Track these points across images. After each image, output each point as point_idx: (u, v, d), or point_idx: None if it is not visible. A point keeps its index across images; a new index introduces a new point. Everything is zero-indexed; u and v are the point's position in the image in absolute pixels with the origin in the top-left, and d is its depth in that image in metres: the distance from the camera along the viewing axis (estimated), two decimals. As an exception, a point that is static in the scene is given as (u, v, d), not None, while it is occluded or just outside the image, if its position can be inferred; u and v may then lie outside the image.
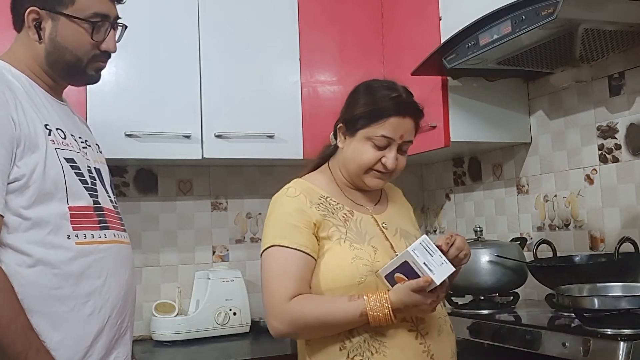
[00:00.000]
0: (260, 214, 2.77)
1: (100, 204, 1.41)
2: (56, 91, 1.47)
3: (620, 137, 2.06)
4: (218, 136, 2.34)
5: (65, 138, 1.39)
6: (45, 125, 1.34)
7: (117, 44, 1.48)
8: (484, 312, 2.08)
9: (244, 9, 2.45)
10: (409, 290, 1.29)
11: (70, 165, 1.36)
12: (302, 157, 2.44)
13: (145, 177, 2.62)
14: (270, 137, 2.42)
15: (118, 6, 1.47)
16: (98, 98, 2.15)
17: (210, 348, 2.31)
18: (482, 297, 2.20)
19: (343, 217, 1.46)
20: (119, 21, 1.46)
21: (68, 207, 1.33)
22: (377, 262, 1.38)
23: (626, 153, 2.04)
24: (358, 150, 1.46)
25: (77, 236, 1.33)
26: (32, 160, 1.29)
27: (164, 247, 2.62)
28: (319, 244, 1.42)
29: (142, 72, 2.26)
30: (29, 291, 1.27)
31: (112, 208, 1.47)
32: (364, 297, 1.33)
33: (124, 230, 1.50)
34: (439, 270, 1.29)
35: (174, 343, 2.38)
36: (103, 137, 2.09)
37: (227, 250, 2.73)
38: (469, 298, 2.25)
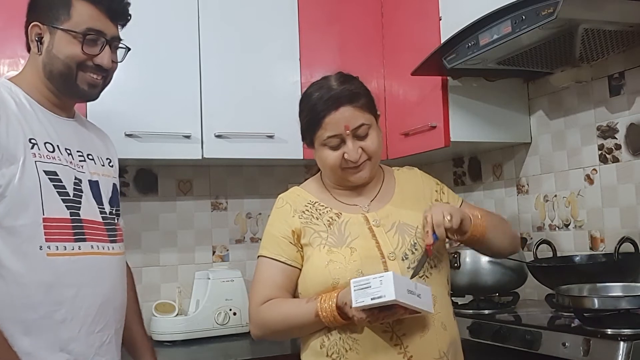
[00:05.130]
0: (260, 214, 2.77)
1: (80, 216, 1.44)
2: (62, 108, 1.53)
3: (620, 137, 2.06)
4: (218, 136, 2.34)
5: (53, 151, 1.43)
6: (30, 139, 1.39)
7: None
8: (484, 312, 2.09)
9: (244, 9, 2.45)
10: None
11: (50, 178, 1.40)
12: (302, 157, 2.44)
13: (145, 177, 2.63)
14: (270, 137, 2.42)
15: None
16: (98, 98, 2.14)
17: (210, 348, 2.32)
18: (482, 297, 2.21)
19: (328, 221, 1.48)
20: (122, 43, 1.54)
21: (43, 218, 1.37)
22: (354, 261, 1.39)
23: (626, 153, 2.05)
24: (322, 157, 1.49)
25: (49, 247, 1.37)
26: (9, 171, 1.34)
27: (164, 247, 2.62)
28: (302, 252, 1.47)
29: (142, 72, 2.26)
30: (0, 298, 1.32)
31: (101, 220, 1.50)
32: (320, 297, 1.36)
33: (114, 242, 1.53)
34: (363, 292, 1.27)
35: (174, 343, 2.38)
36: (103, 137, 2.10)
37: (227, 250, 2.73)
38: (469, 298, 2.25)
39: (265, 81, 2.45)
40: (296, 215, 1.49)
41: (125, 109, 2.23)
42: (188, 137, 2.31)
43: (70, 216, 1.42)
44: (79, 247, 1.42)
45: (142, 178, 2.62)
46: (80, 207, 1.45)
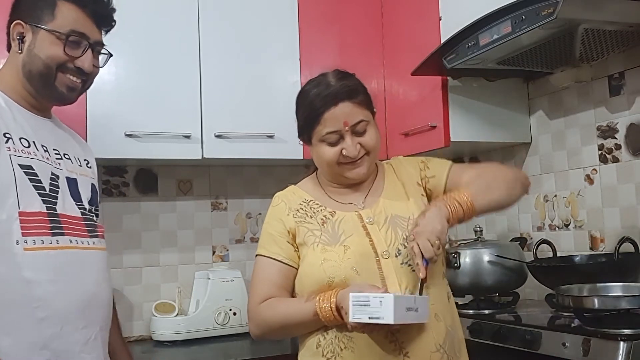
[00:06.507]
0: (260, 214, 2.77)
1: (56, 210, 1.42)
2: (39, 109, 1.51)
3: (620, 137, 2.06)
4: (218, 136, 2.34)
5: (28, 147, 1.42)
6: (4, 134, 1.38)
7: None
8: (484, 312, 2.09)
9: (244, 9, 2.45)
10: (351, 289, 1.31)
11: (25, 172, 1.38)
12: (302, 157, 2.44)
13: (145, 177, 2.63)
14: (270, 137, 2.42)
15: (108, 34, 1.55)
16: (98, 98, 2.14)
17: (210, 348, 2.32)
18: (482, 297, 2.21)
19: (322, 219, 1.48)
20: (105, 49, 1.54)
21: (18, 212, 1.34)
22: (348, 259, 1.40)
23: (626, 153, 2.05)
24: (319, 154, 1.48)
25: (26, 242, 1.34)
26: None
27: (164, 247, 2.62)
28: (298, 251, 1.47)
29: (142, 72, 2.26)
30: None
31: (80, 215, 1.48)
32: (318, 296, 1.36)
33: (94, 237, 1.51)
34: (362, 308, 1.26)
35: (174, 343, 2.38)
36: (103, 137, 2.11)
37: (227, 250, 2.73)
38: (469, 298, 2.25)
39: (265, 81, 2.45)
40: (290, 214, 1.49)
41: (125, 109, 2.23)
42: (188, 137, 2.30)
43: (47, 210, 1.40)
44: (57, 241, 1.39)
45: (142, 178, 2.62)
46: (56, 202, 1.43)
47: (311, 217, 1.48)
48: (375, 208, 1.50)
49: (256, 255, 1.52)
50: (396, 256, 1.42)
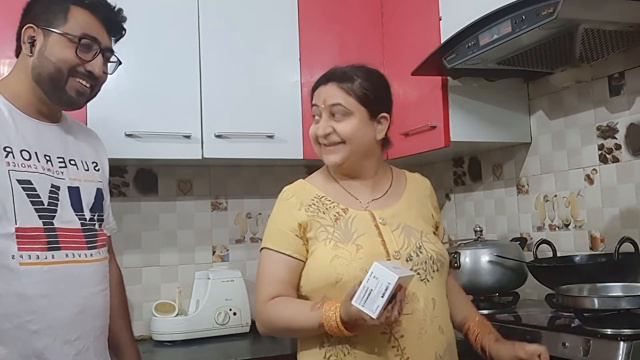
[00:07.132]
0: (260, 214, 2.77)
1: (53, 224, 1.43)
2: (46, 115, 1.51)
3: (620, 137, 2.06)
4: (218, 136, 2.34)
5: (29, 159, 1.42)
6: (5, 148, 1.38)
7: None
8: (484, 312, 2.08)
9: (244, 8, 2.45)
10: (347, 299, 1.28)
11: (23, 187, 1.39)
12: (302, 157, 2.44)
13: (145, 177, 2.63)
14: (270, 137, 2.42)
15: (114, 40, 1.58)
16: (98, 98, 2.10)
17: (210, 348, 2.31)
18: (482, 297, 2.21)
19: (334, 216, 1.47)
20: (114, 56, 1.56)
21: (15, 228, 1.36)
22: (359, 259, 1.39)
23: (626, 153, 2.05)
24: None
25: (21, 257, 1.36)
26: None
27: (164, 247, 2.62)
28: (307, 245, 1.46)
29: (142, 72, 2.26)
30: None
31: (79, 227, 1.49)
32: (324, 307, 1.35)
33: (93, 248, 1.51)
34: (370, 299, 1.25)
35: (174, 343, 2.38)
36: (103, 137, 2.09)
37: (227, 250, 2.73)
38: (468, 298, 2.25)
39: (265, 81, 2.45)
40: (302, 209, 1.48)
41: (125, 109, 2.23)
42: (188, 137, 2.30)
43: (44, 225, 1.41)
44: (52, 256, 1.41)
45: (142, 178, 2.62)
46: (54, 215, 1.43)
47: (324, 213, 1.47)
48: (388, 211, 1.50)
49: (262, 249, 1.49)
50: (407, 260, 1.42)
